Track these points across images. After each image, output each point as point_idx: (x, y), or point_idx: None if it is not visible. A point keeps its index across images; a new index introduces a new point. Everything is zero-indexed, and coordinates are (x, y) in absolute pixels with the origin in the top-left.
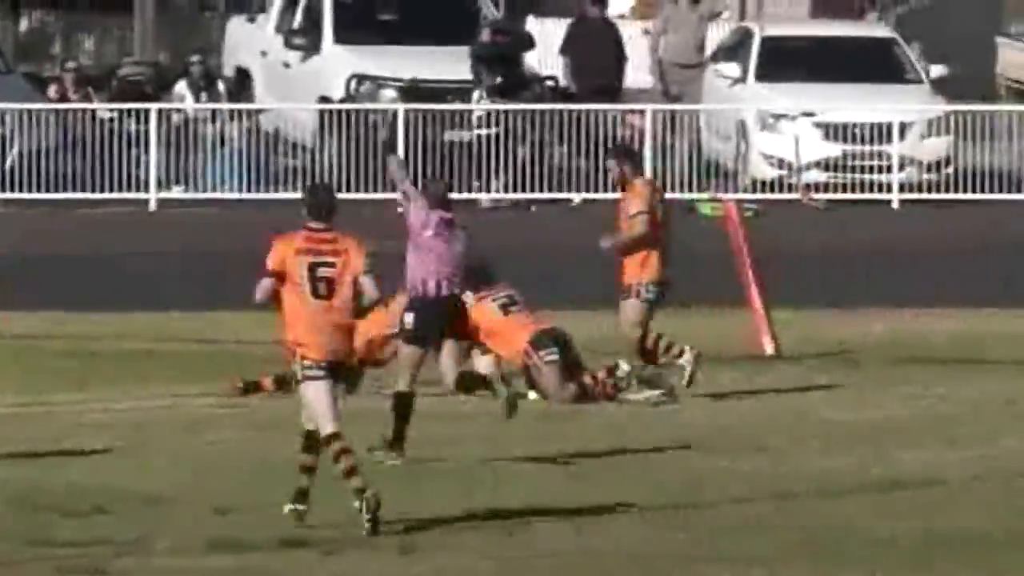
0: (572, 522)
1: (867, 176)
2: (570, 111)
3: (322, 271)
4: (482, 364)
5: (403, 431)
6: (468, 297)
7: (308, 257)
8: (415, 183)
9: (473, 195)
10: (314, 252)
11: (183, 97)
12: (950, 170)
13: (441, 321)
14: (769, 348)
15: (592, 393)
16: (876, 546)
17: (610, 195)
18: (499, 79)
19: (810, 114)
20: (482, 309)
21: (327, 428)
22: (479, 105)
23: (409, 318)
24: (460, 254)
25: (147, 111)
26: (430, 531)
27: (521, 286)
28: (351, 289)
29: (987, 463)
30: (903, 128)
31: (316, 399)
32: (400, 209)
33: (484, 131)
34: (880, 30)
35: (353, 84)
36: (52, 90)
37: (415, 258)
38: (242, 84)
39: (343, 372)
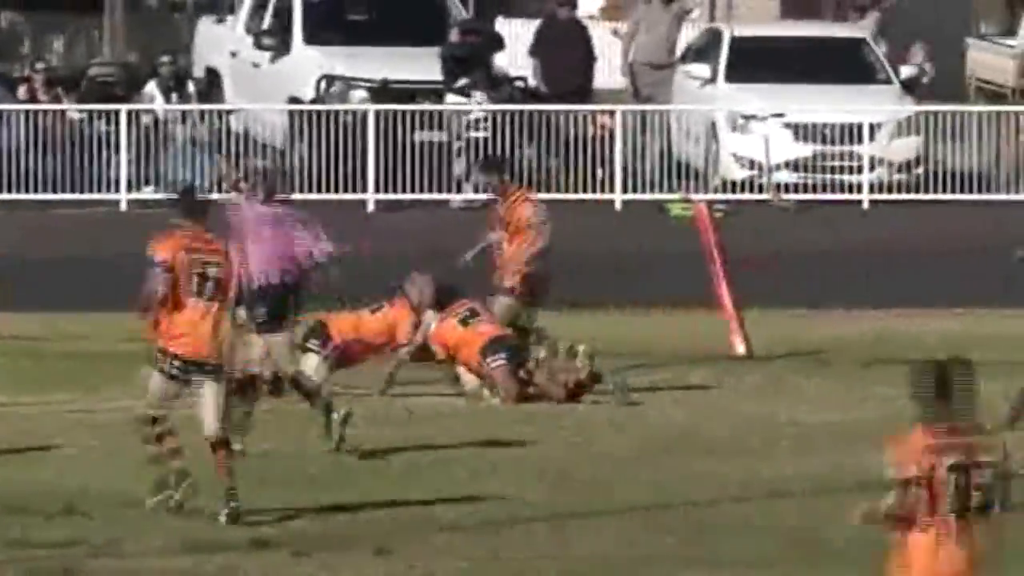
0: (550, 524)
1: (837, 177)
2: (540, 112)
3: (210, 271)
4: (468, 380)
5: (316, 394)
6: (432, 317)
7: (196, 255)
8: (385, 185)
9: (444, 196)
10: (201, 252)
11: (153, 98)
12: (920, 171)
13: (285, 306)
14: (740, 348)
15: (550, 393)
16: (861, 548)
17: (584, 196)
18: (468, 79)
19: (780, 115)
20: (445, 327)
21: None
22: (457, 105)
23: (261, 309)
24: (293, 243)
25: (117, 112)
26: (406, 532)
27: (490, 287)
28: (230, 291)
29: None
30: (873, 129)
31: (161, 391)
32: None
33: (479, 134)
34: (850, 31)
35: (323, 85)
36: (22, 91)
37: (254, 251)
38: (212, 85)
39: (207, 370)
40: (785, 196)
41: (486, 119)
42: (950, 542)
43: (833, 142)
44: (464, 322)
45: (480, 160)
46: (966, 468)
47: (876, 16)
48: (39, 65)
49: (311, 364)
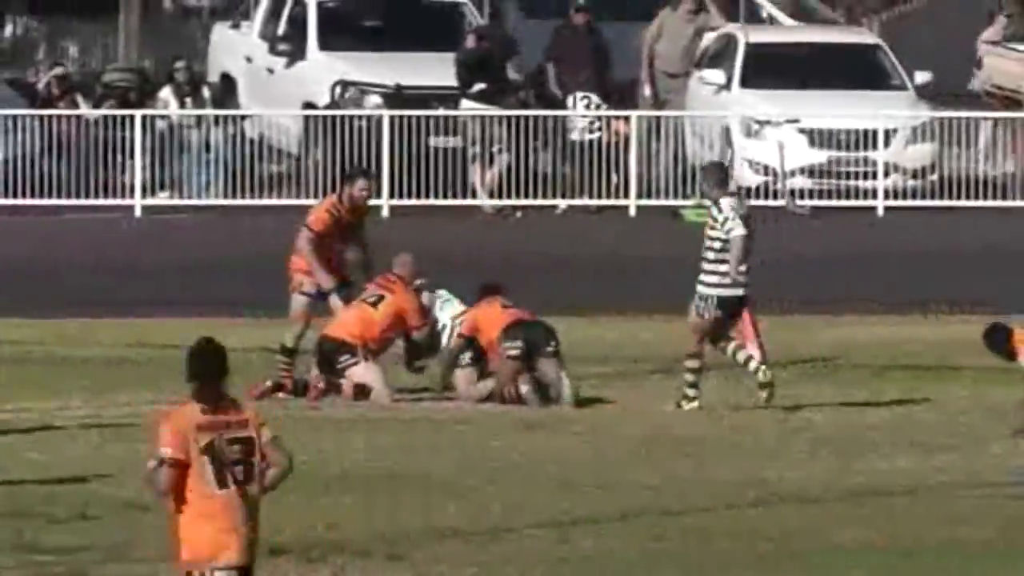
0: (556, 529)
1: (852, 183)
2: (555, 117)
3: None
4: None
5: None
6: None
7: None
8: (400, 190)
9: (459, 201)
10: None
11: (168, 103)
12: (934, 177)
13: None
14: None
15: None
16: (862, 551)
17: (598, 201)
18: (483, 85)
19: (795, 121)
20: (486, 307)
21: None
22: (465, 111)
23: None
24: None
25: (132, 117)
26: (416, 538)
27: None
28: None
29: (965, 471)
30: (888, 135)
31: None
32: None
33: (592, 136)
34: (865, 36)
35: (338, 90)
36: (39, 96)
37: None
38: (227, 90)
39: None
40: (800, 202)
41: (598, 121)
42: (219, 516)
43: (848, 148)
44: (504, 308)
45: (360, 167)
46: (230, 444)
47: (1003, 21)
48: (57, 71)
49: (360, 375)
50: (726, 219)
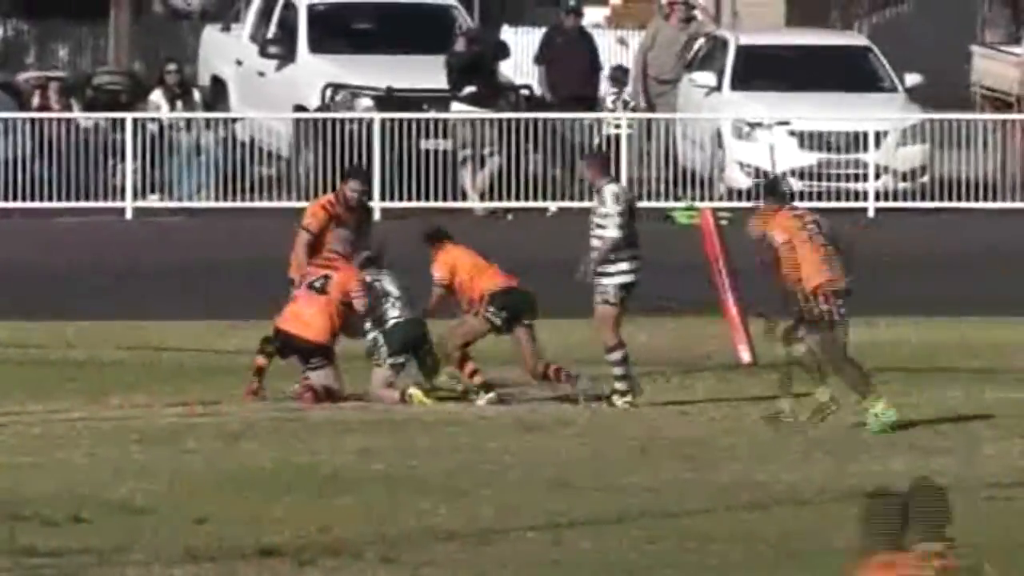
0: (552, 531)
1: (843, 185)
2: (545, 120)
3: None
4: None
5: None
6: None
7: None
8: (391, 193)
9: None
10: None
11: (158, 106)
12: (925, 179)
13: None
14: (746, 356)
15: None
16: (847, 555)
17: (589, 203)
18: (474, 87)
19: (785, 123)
20: (462, 255)
21: None
22: (455, 114)
23: None
24: None
25: (122, 120)
26: (410, 540)
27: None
28: None
29: (962, 472)
30: (878, 137)
31: None
32: None
33: (620, 131)
34: (855, 39)
35: (328, 93)
36: (35, 100)
37: None
38: (217, 93)
39: None
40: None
41: (624, 121)
42: None
43: (838, 150)
44: (489, 264)
45: (357, 167)
46: None
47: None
48: (54, 74)
49: (332, 377)
50: (606, 214)
